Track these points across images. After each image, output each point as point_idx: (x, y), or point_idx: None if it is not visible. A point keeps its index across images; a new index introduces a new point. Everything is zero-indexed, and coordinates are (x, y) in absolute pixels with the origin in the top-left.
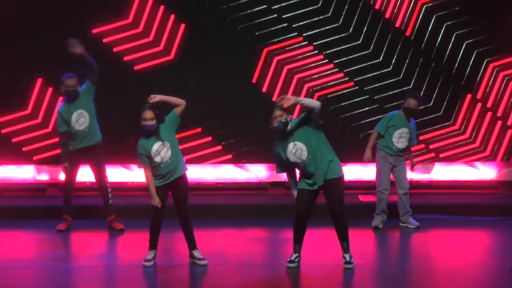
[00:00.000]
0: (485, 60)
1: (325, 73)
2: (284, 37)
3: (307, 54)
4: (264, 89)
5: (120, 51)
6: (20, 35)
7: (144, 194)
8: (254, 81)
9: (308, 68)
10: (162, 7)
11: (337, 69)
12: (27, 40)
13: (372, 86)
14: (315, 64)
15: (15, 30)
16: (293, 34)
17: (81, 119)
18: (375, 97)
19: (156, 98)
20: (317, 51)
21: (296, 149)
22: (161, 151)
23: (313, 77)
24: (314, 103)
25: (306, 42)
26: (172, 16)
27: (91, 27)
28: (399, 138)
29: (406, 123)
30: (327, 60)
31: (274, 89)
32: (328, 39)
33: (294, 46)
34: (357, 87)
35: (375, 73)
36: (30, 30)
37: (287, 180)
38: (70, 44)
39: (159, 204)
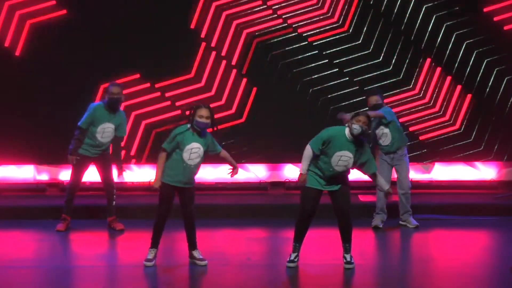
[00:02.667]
0: (485, 60)
1: (325, 73)
2: (284, 37)
3: (307, 54)
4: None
5: None
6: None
7: (144, 194)
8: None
9: (309, 68)
10: None
11: (337, 69)
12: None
13: (372, 86)
14: (316, 64)
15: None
16: (294, 34)
17: (107, 133)
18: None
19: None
20: (316, 51)
21: (345, 160)
22: (194, 152)
23: (312, 77)
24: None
25: (306, 43)
26: None
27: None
28: (381, 136)
29: (380, 121)
30: (327, 60)
31: (273, 91)
32: (328, 39)
33: (294, 47)
34: (357, 87)
35: (375, 73)
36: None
37: (287, 180)
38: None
39: (158, 188)
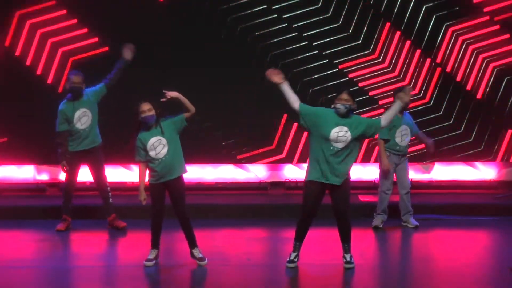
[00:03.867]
0: (485, 61)
1: (326, 73)
2: (285, 37)
3: (307, 54)
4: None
5: None
6: None
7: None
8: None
9: (309, 68)
10: None
11: (336, 70)
12: None
13: (372, 86)
14: (315, 64)
15: None
16: (293, 34)
17: (83, 118)
18: (375, 97)
19: (173, 93)
20: (316, 51)
21: (343, 135)
22: (157, 146)
23: (312, 77)
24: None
25: (307, 42)
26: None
27: None
28: (402, 136)
29: (402, 119)
30: (327, 60)
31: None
32: (328, 39)
33: (294, 46)
34: (357, 87)
35: (374, 73)
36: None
37: (287, 180)
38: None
39: (144, 201)
